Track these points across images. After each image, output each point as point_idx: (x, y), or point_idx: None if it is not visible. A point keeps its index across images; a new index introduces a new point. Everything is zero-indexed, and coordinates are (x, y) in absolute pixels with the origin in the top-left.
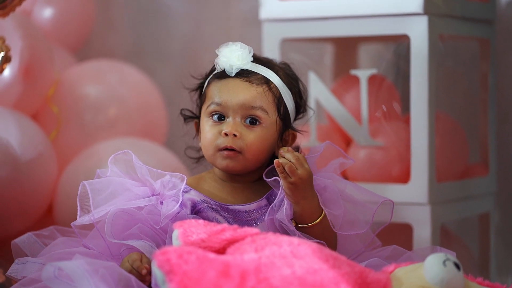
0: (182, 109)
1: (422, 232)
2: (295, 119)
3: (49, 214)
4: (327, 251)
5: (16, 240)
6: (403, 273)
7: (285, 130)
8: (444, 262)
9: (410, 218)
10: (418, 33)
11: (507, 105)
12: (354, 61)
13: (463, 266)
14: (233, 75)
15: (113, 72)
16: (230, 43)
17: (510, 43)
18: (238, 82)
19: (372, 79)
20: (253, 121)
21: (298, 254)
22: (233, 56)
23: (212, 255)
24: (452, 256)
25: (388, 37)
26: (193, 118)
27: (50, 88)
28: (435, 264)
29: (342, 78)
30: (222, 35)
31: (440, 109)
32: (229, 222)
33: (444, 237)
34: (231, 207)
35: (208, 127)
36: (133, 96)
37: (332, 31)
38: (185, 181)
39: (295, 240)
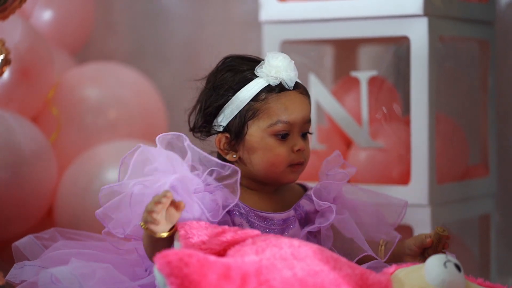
0: (190, 116)
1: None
2: None
3: (49, 217)
4: (327, 252)
5: (17, 243)
6: (404, 274)
7: None
8: (445, 264)
9: (410, 219)
10: (418, 35)
11: (507, 106)
12: (354, 63)
13: (464, 267)
14: (291, 88)
15: (113, 74)
16: (273, 54)
17: (510, 44)
18: (299, 96)
19: (372, 81)
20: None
21: (298, 256)
22: (289, 68)
23: (212, 258)
24: (453, 258)
25: (388, 39)
26: (210, 130)
27: (50, 90)
28: (436, 266)
29: (342, 80)
30: (222, 37)
31: (440, 110)
32: (256, 229)
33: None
34: (263, 214)
35: (274, 145)
36: (133, 98)
37: (332, 33)
38: (239, 173)
39: (295, 241)
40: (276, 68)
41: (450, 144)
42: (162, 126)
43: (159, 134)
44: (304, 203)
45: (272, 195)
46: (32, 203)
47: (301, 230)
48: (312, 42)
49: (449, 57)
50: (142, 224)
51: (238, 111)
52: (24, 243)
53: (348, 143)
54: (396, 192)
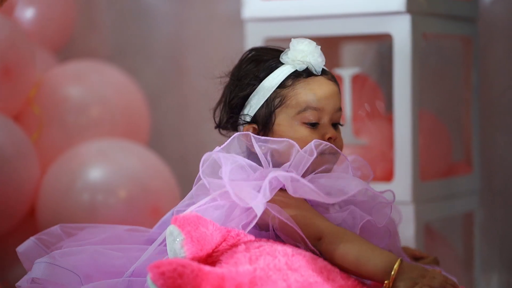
0: (215, 111)
1: (406, 231)
2: None
3: (31, 216)
4: (320, 262)
5: (20, 249)
6: None
7: None
8: None
9: (394, 217)
10: (401, 32)
11: (490, 103)
12: (338, 60)
13: (447, 265)
14: (319, 73)
15: (96, 72)
16: (298, 39)
17: (493, 41)
18: (327, 82)
19: (355, 78)
20: (338, 123)
21: (292, 266)
22: (316, 52)
23: (207, 268)
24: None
25: (371, 36)
26: (236, 121)
27: (32, 89)
28: None
29: None
30: (205, 35)
31: (423, 107)
32: None
33: (428, 236)
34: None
35: (305, 133)
36: (116, 96)
37: (315, 30)
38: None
39: (289, 249)
40: (302, 52)
41: (433, 141)
42: (145, 125)
43: (141, 132)
44: None
45: None
46: (14, 202)
47: None
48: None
49: (432, 54)
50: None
51: (264, 100)
52: (26, 248)
53: None
54: (380, 189)
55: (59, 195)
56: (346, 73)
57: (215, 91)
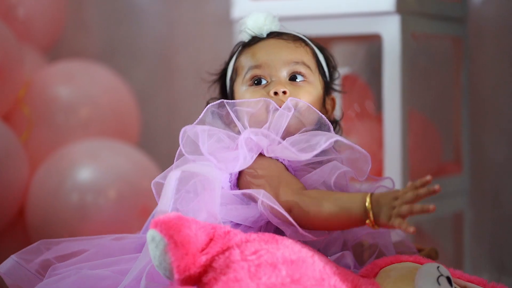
0: (209, 100)
1: (396, 231)
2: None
3: (20, 216)
4: (318, 263)
5: (1, 270)
6: (392, 283)
7: (326, 95)
8: (438, 280)
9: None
10: (391, 32)
11: (480, 103)
12: None
13: None
14: (264, 36)
15: (85, 72)
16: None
17: (483, 41)
18: (273, 41)
19: (345, 78)
20: (298, 77)
21: (294, 276)
22: (261, 19)
23: None
24: (444, 268)
25: (361, 36)
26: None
27: (21, 89)
28: (429, 282)
29: None
30: (195, 35)
31: (413, 107)
32: None
33: (417, 237)
34: None
35: (249, 94)
36: (105, 96)
37: (304, 30)
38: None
39: (286, 252)
40: (249, 21)
41: (423, 141)
42: (134, 125)
43: (131, 132)
44: None
45: None
46: (3, 202)
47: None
48: None
49: (422, 54)
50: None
51: (229, 79)
52: (8, 268)
53: None
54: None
55: (49, 195)
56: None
57: (205, 91)
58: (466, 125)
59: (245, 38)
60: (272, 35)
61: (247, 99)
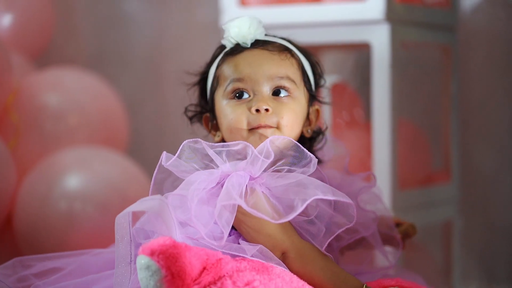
0: (186, 107)
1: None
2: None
3: (8, 224)
4: None
5: None
6: None
7: (310, 106)
8: None
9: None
10: (380, 40)
11: (469, 112)
12: None
13: (426, 273)
14: (249, 45)
15: (74, 79)
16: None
17: (472, 50)
18: (257, 52)
19: (334, 86)
20: (281, 92)
21: None
22: (245, 26)
23: None
24: None
25: (351, 45)
26: (201, 113)
27: (9, 96)
28: None
29: None
30: (184, 42)
31: (402, 116)
32: None
33: (407, 245)
34: None
35: (230, 108)
36: (94, 103)
37: (294, 38)
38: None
39: (279, 283)
40: (233, 28)
41: (412, 150)
42: (123, 132)
43: (120, 140)
44: None
45: None
46: None
47: None
48: None
49: (411, 62)
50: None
51: (210, 86)
52: None
53: None
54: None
55: (37, 203)
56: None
57: (193, 98)
58: (455, 133)
59: (228, 45)
60: (257, 44)
61: (227, 113)
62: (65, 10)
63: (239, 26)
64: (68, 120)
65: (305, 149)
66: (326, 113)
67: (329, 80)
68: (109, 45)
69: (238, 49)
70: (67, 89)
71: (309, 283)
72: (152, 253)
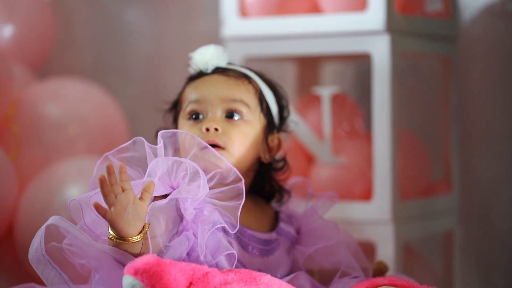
0: (157, 130)
1: (386, 251)
2: (280, 126)
3: (9, 235)
4: None
5: None
6: None
7: (270, 133)
8: None
9: (373, 236)
10: (380, 51)
11: (469, 122)
12: (317, 79)
13: (427, 284)
14: (209, 71)
15: (74, 90)
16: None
17: (472, 61)
18: (215, 77)
19: (334, 97)
20: (234, 115)
21: None
22: (208, 54)
23: None
24: None
25: (351, 56)
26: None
27: (9, 107)
28: None
29: (304, 96)
30: (184, 52)
31: (402, 126)
32: (243, 247)
33: (407, 255)
34: (251, 232)
35: (186, 128)
36: (95, 114)
37: (294, 49)
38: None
39: None
40: (196, 55)
41: (412, 160)
42: (123, 142)
43: None
44: (285, 227)
45: (253, 206)
46: None
47: (287, 255)
48: (274, 58)
49: (412, 73)
50: (111, 235)
51: (175, 111)
52: None
53: (310, 159)
54: (359, 208)
55: (38, 213)
56: (325, 92)
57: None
58: (456, 144)
59: (192, 72)
60: (218, 70)
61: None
62: (66, 21)
63: (203, 53)
64: (69, 131)
65: (240, 177)
66: (327, 124)
67: (329, 91)
68: (110, 55)
69: (200, 74)
70: (67, 100)
71: None
72: (135, 272)
